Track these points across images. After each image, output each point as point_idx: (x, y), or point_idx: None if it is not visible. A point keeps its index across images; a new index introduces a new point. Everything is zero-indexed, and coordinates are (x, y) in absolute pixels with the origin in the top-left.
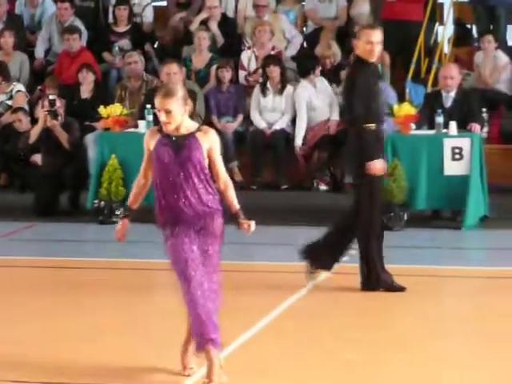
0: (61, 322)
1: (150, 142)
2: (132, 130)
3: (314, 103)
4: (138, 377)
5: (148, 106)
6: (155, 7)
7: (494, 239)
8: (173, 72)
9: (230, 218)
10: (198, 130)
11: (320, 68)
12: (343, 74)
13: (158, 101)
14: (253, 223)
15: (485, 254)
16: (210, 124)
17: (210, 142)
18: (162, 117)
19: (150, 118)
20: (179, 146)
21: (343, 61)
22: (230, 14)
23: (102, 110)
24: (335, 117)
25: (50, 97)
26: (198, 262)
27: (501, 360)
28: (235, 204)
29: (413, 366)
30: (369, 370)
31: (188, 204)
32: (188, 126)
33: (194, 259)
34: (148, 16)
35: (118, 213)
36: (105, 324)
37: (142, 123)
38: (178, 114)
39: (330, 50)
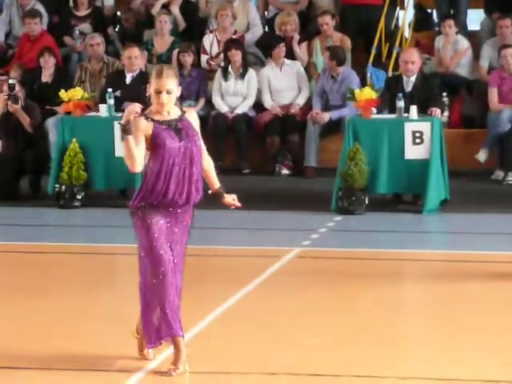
0: (21, 306)
1: (148, 129)
2: (93, 113)
3: (273, 85)
4: (100, 362)
5: (109, 89)
6: None
7: (454, 223)
8: (134, 56)
9: (212, 196)
10: (184, 111)
11: (283, 47)
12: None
13: (158, 82)
14: (235, 196)
15: (445, 237)
16: None
17: (196, 123)
18: (164, 98)
19: (112, 101)
20: (180, 131)
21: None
22: None
23: (62, 93)
24: (299, 101)
25: (10, 81)
26: (169, 249)
27: (460, 342)
28: (217, 182)
29: (373, 349)
30: (330, 354)
31: (185, 192)
32: (174, 108)
33: (167, 247)
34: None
35: (78, 197)
36: (67, 309)
37: (103, 107)
38: (175, 95)
39: (291, 17)
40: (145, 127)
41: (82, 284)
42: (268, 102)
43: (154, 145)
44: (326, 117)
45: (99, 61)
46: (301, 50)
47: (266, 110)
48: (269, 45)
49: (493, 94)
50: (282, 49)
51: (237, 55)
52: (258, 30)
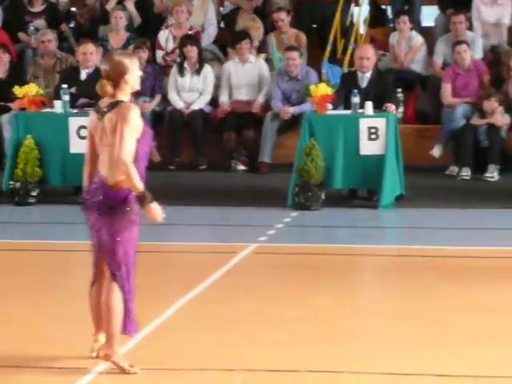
0: None
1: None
2: (48, 110)
3: (233, 80)
4: (57, 361)
5: (64, 85)
6: None
7: (409, 218)
8: (89, 52)
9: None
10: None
11: (247, 43)
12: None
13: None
14: None
15: (401, 232)
16: None
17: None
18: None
19: (66, 98)
20: None
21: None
22: None
23: (17, 90)
24: (261, 98)
25: None
26: None
27: (416, 338)
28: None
29: (332, 345)
30: (288, 350)
31: None
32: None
33: None
34: None
35: (33, 194)
36: (22, 307)
37: (57, 103)
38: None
39: (256, 23)
40: (139, 117)
41: (36, 281)
42: (223, 98)
43: (141, 139)
44: (291, 110)
45: (52, 57)
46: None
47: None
48: (233, 40)
49: (446, 89)
50: (246, 45)
51: (192, 51)
52: (213, 30)
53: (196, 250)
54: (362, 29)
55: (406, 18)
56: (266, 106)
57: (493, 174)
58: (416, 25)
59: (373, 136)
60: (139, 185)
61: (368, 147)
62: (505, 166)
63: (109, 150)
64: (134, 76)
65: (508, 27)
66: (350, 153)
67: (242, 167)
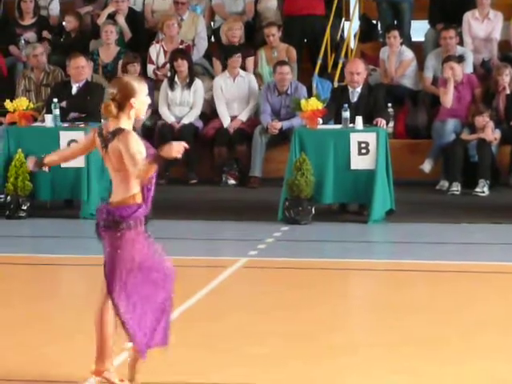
0: None
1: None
2: (39, 124)
3: (224, 95)
4: (46, 374)
5: (55, 99)
6: (62, 0)
7: (399, 232)
8: (81, 65)
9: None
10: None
11: (239, 57)
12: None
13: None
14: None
15: (390, 247)
16: None
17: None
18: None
19: (57, 111)
20: None
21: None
22: (138, 7)
23: (7, 104)
24: (243, 117)
25: None
26: None
27: (402, 352)
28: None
29: (319, 359)
30: (276, 363)
31: None
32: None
33: None
34: (54, 9)
35: (24, 207)
36: (12, 320)
37: (48, 117)
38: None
39: (237, 23)
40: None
41: (27, 295)
42: (225, 118)
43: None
44: (279, 125)
45: (41, 70)
46: (248, 61)
47: (213, 120)
48: (225, 55)
49: (445, 93)
50: (238, 59)
51: (183, 65)
52: (203, 45)
53: (186, 264)
54: (353, 43)
55: (396, 33)
56: (256, 121)
57: (483, 189)
58: (406, 39)
59: (363, 151)
60: (150, 164)
61: (358, 162)
62: (495, 181)
63: (117, 175)
64: (140, 101)
65: (498, 42)
66: (341, 167)
67: (232, 181)
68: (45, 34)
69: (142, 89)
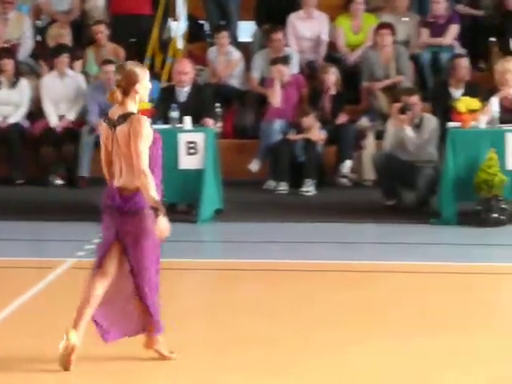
0: None
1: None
2: None
3: (51, 95)
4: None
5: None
6: None
7: (228, 232)
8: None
9: None
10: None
11: (67, 57)
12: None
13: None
14: None
15: (219, 246)
16: None
17: None
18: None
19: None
20: None
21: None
22: None
23: None
24: (70, 116)
25: None
26: None
27: (230, 349)
28: None
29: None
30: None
31: None
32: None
33: None
34: None
35: None
36: None
37: None
38: None
39: (65, 30)
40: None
41: None
42: (52, 117)
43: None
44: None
45: None
46: (76, 64)
47: (40, 120)
48: (51, 55)
49: (271, 93)
50: (65, 59)
51: (8, 64)
52: (29, 44)
53: (11, 265)
54: (180, 43)
55: (225, 34)
56: (83, 119)
57: (309, 188)
58: (233, 40)
59: (191, 150)
60: (155, 195)
61: (187, 161)
62: (321, 180)
63: (124, 160)
64: (143, 86)
65: (325, 43)
66: (169, 167)
67: (59, 181)
68: None
69: (144, 74)
